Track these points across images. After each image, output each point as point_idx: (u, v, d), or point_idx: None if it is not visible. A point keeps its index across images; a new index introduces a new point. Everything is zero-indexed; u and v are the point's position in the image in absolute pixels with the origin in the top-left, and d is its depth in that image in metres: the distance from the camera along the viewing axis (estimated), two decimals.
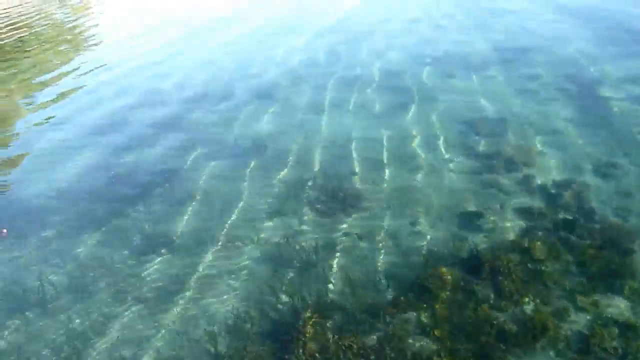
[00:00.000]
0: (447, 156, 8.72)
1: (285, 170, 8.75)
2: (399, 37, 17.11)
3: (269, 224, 7.33)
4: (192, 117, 11.61)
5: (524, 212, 7.00)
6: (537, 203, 7.19)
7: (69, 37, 25.18)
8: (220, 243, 6.99)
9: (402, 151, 9.03)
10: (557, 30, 16.18)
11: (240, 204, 7.86)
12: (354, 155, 9.05)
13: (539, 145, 8.82)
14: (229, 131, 10.60)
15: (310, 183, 8.23)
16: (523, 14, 19.07)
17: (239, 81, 13.98)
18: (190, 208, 7.89)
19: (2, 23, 33.91)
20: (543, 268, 5.85)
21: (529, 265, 5.90)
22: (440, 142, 9.23)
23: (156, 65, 16.59)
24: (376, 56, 15.00)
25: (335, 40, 17.51)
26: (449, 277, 5.77)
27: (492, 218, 6.95)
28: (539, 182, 7.70)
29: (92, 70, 16.96)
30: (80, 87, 15.00)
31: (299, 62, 15.31)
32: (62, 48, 22.30)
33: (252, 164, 9.06)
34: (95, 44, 21.96)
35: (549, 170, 8.02)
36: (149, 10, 30.35)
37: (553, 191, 7.43)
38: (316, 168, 8.72)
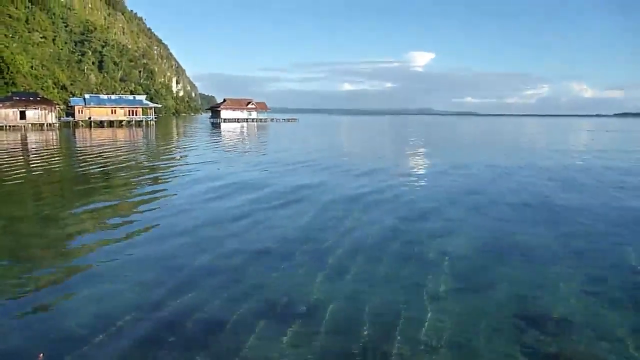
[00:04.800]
0: (504, 351, 8.15)
1: (332, 340, 8.47)
2: (464, 224, 17.02)
3: None
4: (246, 270, 11.89)
5: None
6: None
7: (148, 176, 27.57)
8: None
9: (456, 340, 8.51)
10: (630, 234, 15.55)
11: None
12: (406, 335, 8.64)
13: (602, 353, 8.11)
14: (283, 293, 10.51)
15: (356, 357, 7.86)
16: (595, 210, 18.72)
17: (299, 245, 14.25)
18: None
19: (92, 151, 37.98)
20: None
21: None
22: (497, 335, 8.69)
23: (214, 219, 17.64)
24: (435, 239, 14.81)
25: (399, 218, 17.94)
26: None
27: None
28: None
29: (160, 213, 18.22)
30: (144, 226, 16.00)
31: (363, 236, 15.44)
32: (139, 186, 24.32)
33: (305, 330, 8.84)
34: (162, 187, 23.76)
35: None
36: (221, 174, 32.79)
37: None
38: (364, 344, 8.31)
